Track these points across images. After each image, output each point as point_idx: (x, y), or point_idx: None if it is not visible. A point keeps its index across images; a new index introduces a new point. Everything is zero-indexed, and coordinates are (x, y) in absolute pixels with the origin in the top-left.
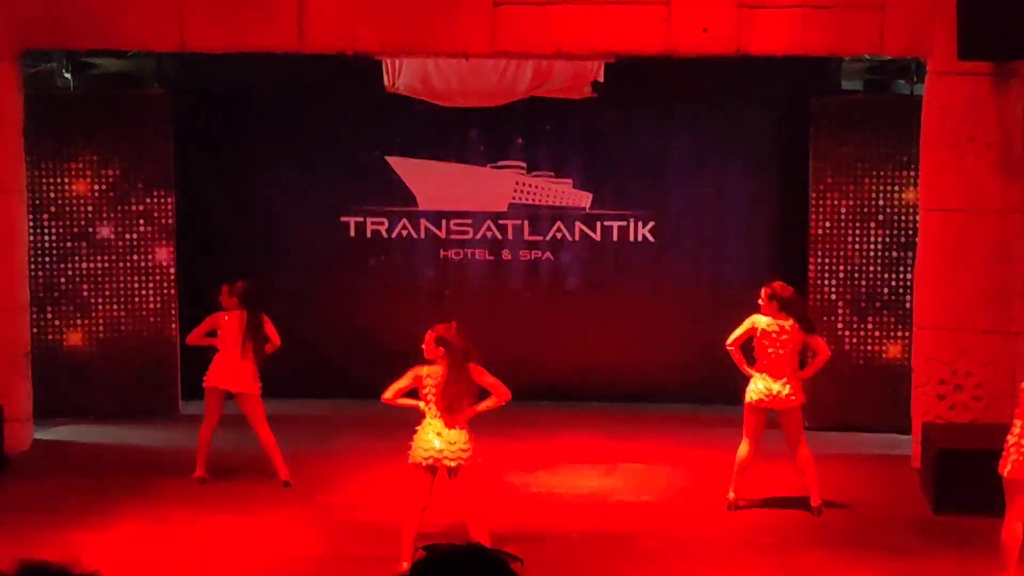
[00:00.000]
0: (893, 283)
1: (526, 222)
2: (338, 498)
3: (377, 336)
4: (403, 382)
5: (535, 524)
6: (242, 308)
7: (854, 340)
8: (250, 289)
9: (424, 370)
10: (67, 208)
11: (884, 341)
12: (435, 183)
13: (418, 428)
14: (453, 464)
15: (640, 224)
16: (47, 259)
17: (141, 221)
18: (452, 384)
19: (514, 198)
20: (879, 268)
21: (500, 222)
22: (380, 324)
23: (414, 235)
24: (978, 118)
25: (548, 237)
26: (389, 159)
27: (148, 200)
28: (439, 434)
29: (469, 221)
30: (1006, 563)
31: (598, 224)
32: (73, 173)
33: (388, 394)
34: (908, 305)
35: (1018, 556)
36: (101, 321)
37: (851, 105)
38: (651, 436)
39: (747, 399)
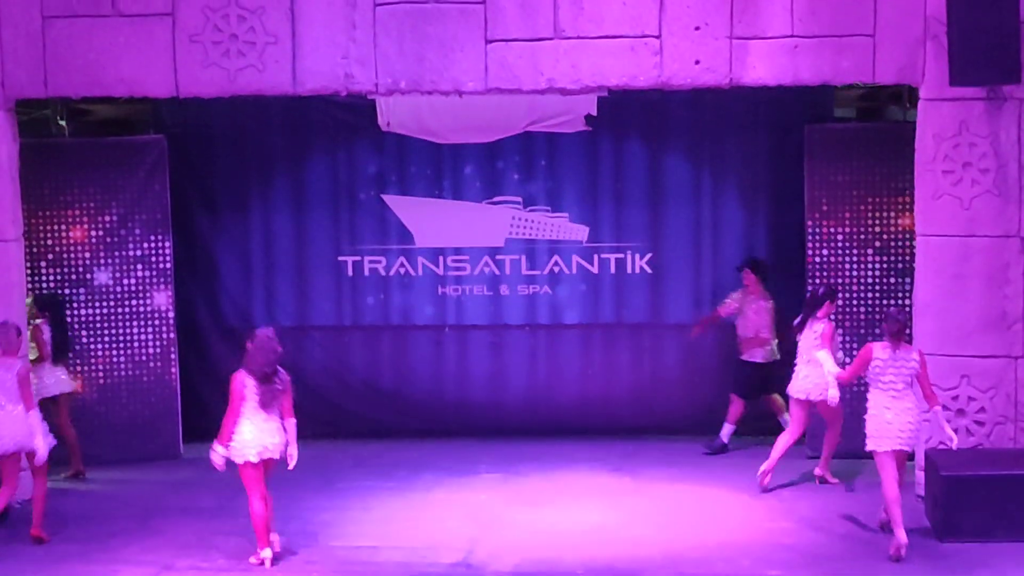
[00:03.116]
0: None
1: (523, 257)
2: (340, 540)
3: (376, 375)
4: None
5: (540, 559)
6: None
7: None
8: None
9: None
10: (65, 255)
11: None
12: (432, 220)
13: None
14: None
15: (637, 256)
16: None
17: (139, 266)
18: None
19: (511, 233)
20: (877, 295)
21: (497, 257)
22: (379, 363)
23: (412, 272)
24: (972, 143)
25: (546, 271)
26: (385, 197)
27: (145, 245)
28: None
29: (466, 257)
30: None
31: (595, 257)
32: (70, 220)
33: None
34: (908, 332)
35: None
36: (101, 367)
37: (845, 133)
38: (653, 469)
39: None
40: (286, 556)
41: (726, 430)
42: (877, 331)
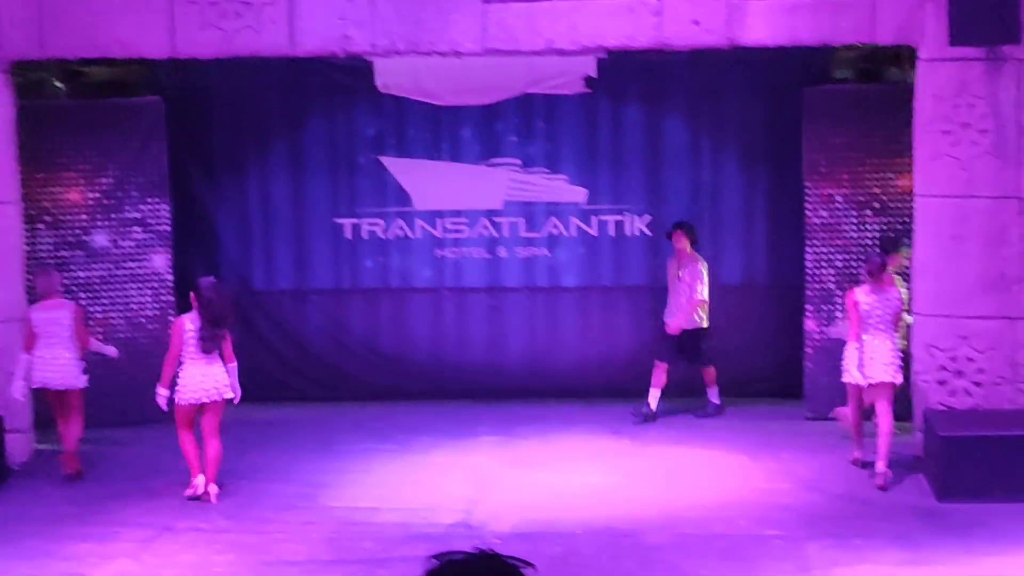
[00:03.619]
0: None
1: (522, 219)
2: (340, 501)
3: (375, 338)
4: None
5: (539, 521)
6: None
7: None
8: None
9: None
10: (62, 217)
11: None
12: (430, 182)
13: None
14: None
15: (636, 218)
16: None
17: (137, 228)
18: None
19: (509, 195)
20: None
21: (495, 220)
22: (378, 326)
23: (410, 235)
24: (971, 104)
25: (544, 233)
26: (383, 159)
27: (143, 207)
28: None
29: (464, 220)
30: None
31: (594, 219)
32: (67, 182)
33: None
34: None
35: None
36: (100, 329)
37: (844, 94)
38: (652, 431)
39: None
40: (285, 516)
41: (653, 395)
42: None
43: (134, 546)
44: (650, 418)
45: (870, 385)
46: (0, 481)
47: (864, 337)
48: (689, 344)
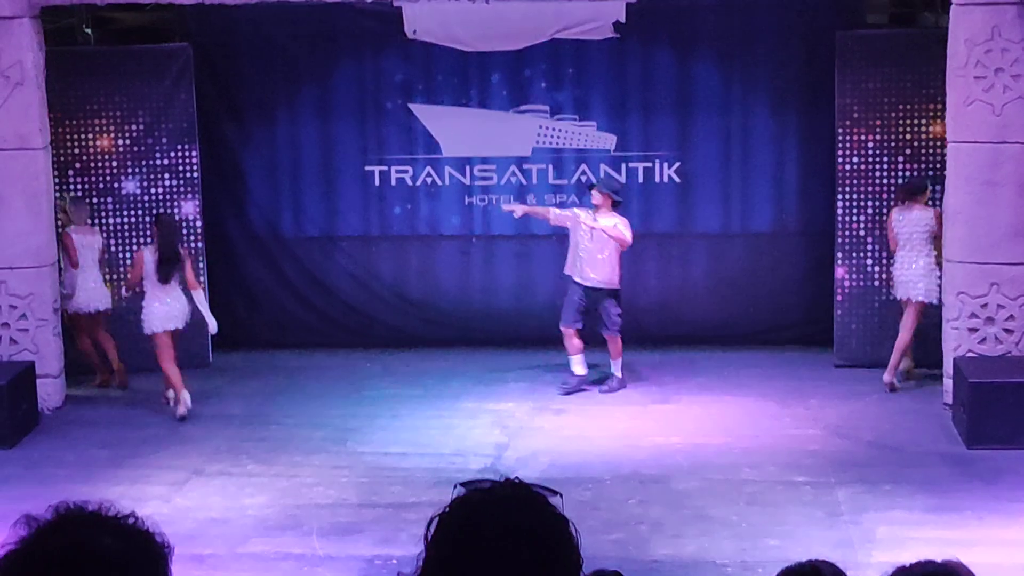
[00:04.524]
0: None
1: (550, 166)
2: (369, 446)
3: (403, 285)
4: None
5: (567, 467)
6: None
7: (883, 275)
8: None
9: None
10: (92, 164)
11: None
12: (458, 129)
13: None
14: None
15: (666, 165)
16: None
17: (166, 175)
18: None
19: (538, 142)
20: None
21: (524, 167)
22: (406, 273)
23: (439, 182)
24: (1004, 49)
25: (573, 180)
26: (412, 106)
27: (172, 154)
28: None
29: (493, 167)
30: None
31: (623, 166)
32: (97, 129)
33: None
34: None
35: None
36: (130, 275)
37: (876, 39)
38: (680, 378)
39: None
40: (315, 461)
41: (575, 363)
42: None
43: (166, 489)
44: (578, 388)
45: (904, 299)
46: (33, 426)
47: (899, 254)
48: (601, 307)
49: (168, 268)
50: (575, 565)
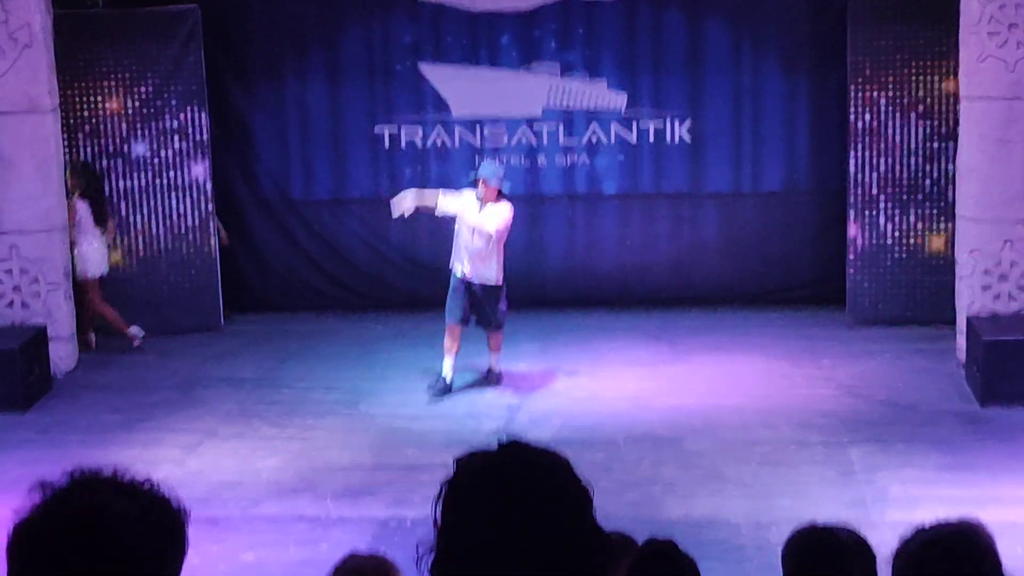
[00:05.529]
0: (935, 175)
1: (561, 126)
2: (381, 408)
3: (414, 247)
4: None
5: (580, 428)
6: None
7: (896, 233)
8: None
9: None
10: (101, 126)
11: (927, 233)
12: (468, 90)
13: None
14: None
15: (677, 124)
16: None
17: (176, 137)
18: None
19: (548, 102)
20: (921, 160)
21: (535, 127)
22: (416, 235)
23: (449, 144)
24: (1019, 4)
25: (584, 141)
26: (421, 66)
27: (182, 116)
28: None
29: (503, 128)
30: None
31: (634, 125)
32: (106, 91)
33: None
34: (950, 196)
35: None
36: (140, 239)
37: None
38: (692, 339)
39: None
40: (328, 423)
41: (448, 364)
42: (919, 196)
43: (179, 451)
44: (446, 391)
45: None
46: (46, 390)
47: None
48: (486, 303)
49: (103, 213)
50: (585, 522)
